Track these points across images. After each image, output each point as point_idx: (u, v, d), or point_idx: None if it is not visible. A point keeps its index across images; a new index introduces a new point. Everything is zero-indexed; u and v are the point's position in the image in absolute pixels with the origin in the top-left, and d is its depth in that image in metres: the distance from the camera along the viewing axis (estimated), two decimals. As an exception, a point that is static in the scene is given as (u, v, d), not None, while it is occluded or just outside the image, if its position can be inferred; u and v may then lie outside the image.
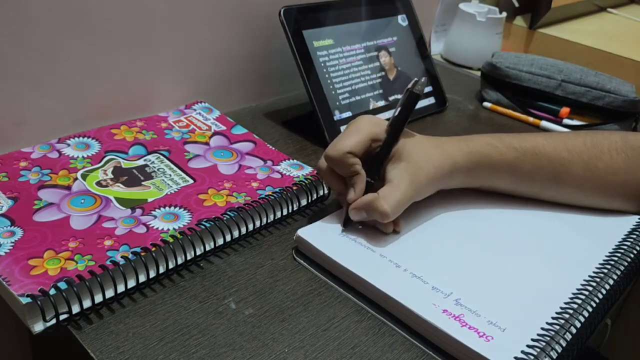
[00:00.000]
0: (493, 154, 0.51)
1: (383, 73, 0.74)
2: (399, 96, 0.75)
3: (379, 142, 0.49)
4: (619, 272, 0.48)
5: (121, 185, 0.51)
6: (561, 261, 0.49)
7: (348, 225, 0.50)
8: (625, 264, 0.49)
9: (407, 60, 0.78)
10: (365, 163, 0.49)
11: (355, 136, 0.48)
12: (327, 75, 0.67)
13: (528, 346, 0.39)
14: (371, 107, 0.71)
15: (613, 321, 0.79)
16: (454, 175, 0.50)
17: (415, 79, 0.50)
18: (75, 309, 0.39)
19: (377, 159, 0.49)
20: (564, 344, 0.40)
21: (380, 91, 0.73)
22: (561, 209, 0.56)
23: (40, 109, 0.55)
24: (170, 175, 0.53)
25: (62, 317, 0.39)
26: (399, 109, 0.49)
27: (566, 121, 0.79)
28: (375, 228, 0.50)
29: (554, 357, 0.39)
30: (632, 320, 0.88)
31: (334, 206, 0.55)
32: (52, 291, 0.38)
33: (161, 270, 0.44)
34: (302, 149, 0.65)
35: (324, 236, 0.48)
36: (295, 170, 0.56)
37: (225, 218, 0.48)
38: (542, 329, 0.41)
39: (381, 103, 0.72)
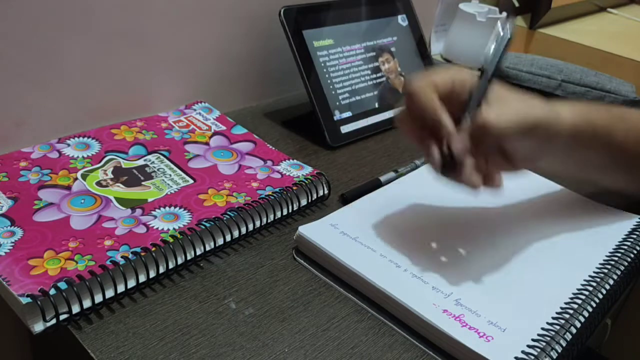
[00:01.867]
0: (591, 111, 0.47)
1: (383, 74, 0.74)
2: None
3: (463, 88, 0.44)
4: (619, 272, 0.48)
5: (121, 185, 0.51)
6: (561, 261, 0.49)
7: (446, 173, 0.43)
8: (626, 264, 0.49)
9: (407, 61, 0.78)
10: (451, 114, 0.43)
11: (437, 74, 0.43)
12: (327, 75, 0.67)
13: (528, 346, 0.39)
14: (374, 107, 0.71)
15: (613, 321, 0.79)
16: (560, 129, 0.45)
17: (502, 17, 0.46)
18: (75, 309, 0.39)
19: (470, 104, 0.43)
20: (564, 344, 0.40)
21: (381, 91, 0.73)
22: (561, 209, 0.56)
23: (40, 109, 0.55)
24: (170, 175, 0.53)
25: (62, 317, 0.39)
26: (492, 52, 0.45)
27: (566, 121, 0.79)
28: (381, 229, 0.50)
29: (554, 357, 0.39)
30: (632, 320, 0.88)
31: (334, 206, 0.55)
32: (52, 291, 0.38)
33: (161, 270, 0.44)
34: (302, 149, 0.65)
35: (325, 234, 0.48)
36: (295, 170, 0.56)
37: (225, 218, 0.48)
38: (543, 329, 0.41)
39: (382, 103, 0.72)
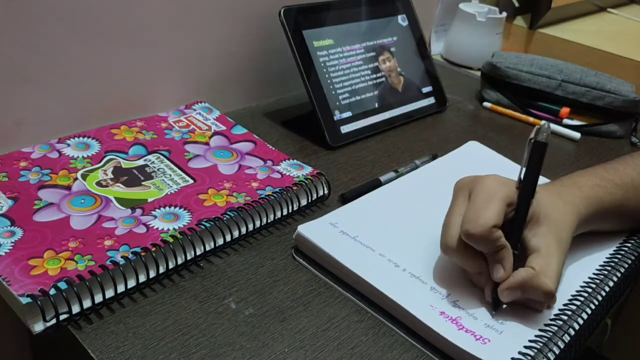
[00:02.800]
0: (604, 197, 0.48)
1: (382, 74, 0.74)
2: (410, 105, 0.75)
3: (513, 206, 0.43)
4: (619, 274, 0.48)
5: (121, 185, 0.51)
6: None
7: (499, 309, 0.43)
8: (626, 266, 0.49)
9: (407, 61, 0.78)
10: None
11: (493, 205, 0.41)
12: (327, 75, 0.67)
13: (525, 347, 0.39)
14: (374, 107, 0.71)
15: (613, 321, 0.79)
16: (579, 227, 0.46)
17: (537, 126, 0.44)
18: (75, 309, 0.39)
19: (517, 227, 0.43)
20: (562, 346, 0.40)
21: (381, 91, 0.73)
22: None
23: (40, 109, 0.55)
24: (170, 175, 0.53)
25: (62, 317, 0.39)
26: (527, 165, 0.44)
27: (566, 121, 0.79)
28: (380, 228, 0.50)
29: (552, 358, 0.39)
30: (632, 320, 0.88)
31: (334, 206, 0.55)
32: (52, 291, 0.38)
33: (161, 270, 0.44)
34: (302, 149, 0.65)
35: (324, 233, 0.48)
36: (295, 170, 0.56)
37: (225, 218, 0.48)
38: (540, 330, 0.41)
39: (382, 103, 0.72)
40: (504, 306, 0.43)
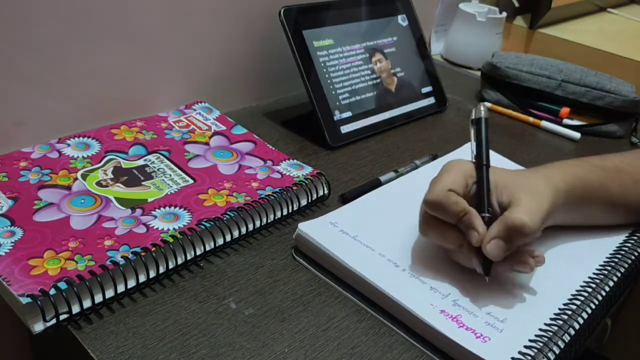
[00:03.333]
0: (587, 174, 0.49)
1: (378, 75, 0.74)
2: (410, 105, 0.75)
3: (474, 179, 0.45)
4: (619, 274, 0.48)
5: (121, 185, 0.51)
6: (561, 263, 0.49)
7: (489, 272, 0.43)
8: (626, 266, 0.49)
9: (407, 61, 0.78)
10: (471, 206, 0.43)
11: (447, 175, 0.44)
12: (327, 75, 0.67)
13: (525, 347, 0.39)
14: (374, 107, 0.71)
15: (613, 321, 0.79)
16: (557, 204, 0.46)
17: (474, 108, 0.49)
18: (75, 309, 0.39)
19: (479, 193, 0.45)
20: (562, 345, 0.40)
21: (381, 91, 0.73)
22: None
23: (40, 109, 0.56)
24: (170, 175, 0.53)
25: (62, 317, 0.39)
26: (474, 142, 0.48)
27: (566, 121, 0.79)
28: (380, 228, 0.50)
29: (552, 358, 0.39)
30: (632, 320, 0.88)
31: (334, 206, 0.55)
32: (52, 291, 0.38)
33: (161, 270, 0.44)
34: (302, 149, 0.65)
35: (324, 232, 0.48)
36: (295, 170, 0.56)
37: (225, 218, 0.48)
38: (540, 329, 0.41)
39: (382, 103, 0.72)
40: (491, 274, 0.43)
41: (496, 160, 0.63)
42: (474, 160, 0.47)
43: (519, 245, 0.43)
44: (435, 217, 0.44)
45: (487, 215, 0.43)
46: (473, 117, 0.49)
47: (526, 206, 0.42)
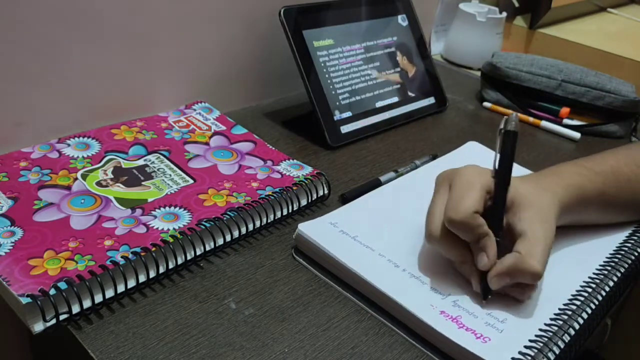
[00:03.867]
0: (585, 184, 0.49)
1: (385, 73, 0.74)
2: (410, 105, 0.75)
3: (491, 194, 0.44)
4: (619, 275, 0.48)
5: (121, 185, 0.51)
6: (561, 263, 0.49)
7: (488, 297, 0.43)
8: (626, 266, 0.49)
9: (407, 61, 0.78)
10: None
11: (473, 192, 0.42)
12: (327, 75, 0.67)
13: (525, 347, 0.39)
14: (374, 107, 0.71)
15: (613, 321, 0.79)
16: (561, 214, 0.46)
17: (506, 116, 0.46)
18: (75, 309, 0.39)
19: (496, 213, 0.44)
20: (562, 345, 0.40)
21: (381, 91, 0.73)
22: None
23: (40, 109, 0.56)
24: (170, 175, 0.53)
25: (62, 317, 0.39)
26: (499, 154, 0.45)
27: (566, 121, 0.79)
28: (380, 228, 0.50)
29: (552, 358, 0.39)
30: (632, 321, 0.88)
31: (334, 206, 0.55)
32: (52, 291, 0.38)
33: (161, 270, 0.44)
34: (302, 149, 0.65)
35: (324, 232, 0.48)
36: (295, 170, 0.56)
37: (225, 218, 0.48)
38: (540, 330, 0.41)
39: (381, 103, 0.72)
40: (490, 297, 0.44)
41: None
42: (494, 174, 0.45)
43: None
44: (447, 229, 0.43)
45: (498, 239, 0.43)
46: (502, 127, 0.46)
47: (541, 248, 0.42)
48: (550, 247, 0.43)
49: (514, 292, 0.43)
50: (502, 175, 0.44)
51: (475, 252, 0.43)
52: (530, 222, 0.43)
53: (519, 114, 0.79)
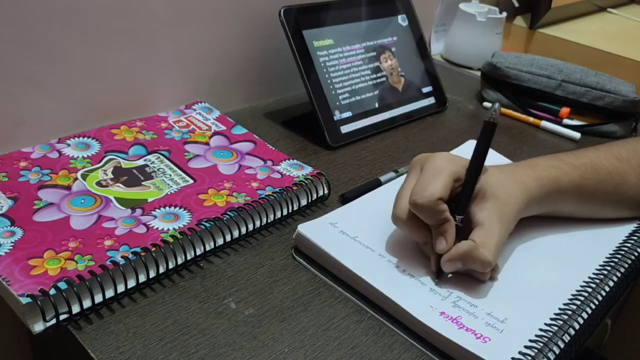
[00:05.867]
0: (560, 177, 0.50)
1: (384, 74, 0.74)
2: (410, 105, 0.75)
3: (460, 182, 0.45)
4: (619, 274, 0.48)
5: (121, 185, 0.51)
6: (561, 263, 0.49)
7: (442, 277, 0.45)
8: (626, 266, 0.49)
9: (407, 61, 0.78)
10: (448, 205, 0.44)
11: (440, 178, 0.43)
12: (327, 75, 0.67)
13: (526, 347, 0.39)
14: (374, 107, 0.71)
15: (613, 321, 0.79)
16: (529, 205, 0.48)
17: (489, 105, 0.47)
18: (75, 309, 0.39)
19: (463, 201, 0.45)
20: (562, 345, 0.40)
21: (381, 91, 0.73)
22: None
23: (40, 109, 0.56)
24: (170, 175, 0.53)
25: (62, 317, 0.39)
26: (476, 143, 0.46)
27: (566, 121, 0.79)
28: (380, 229, 0.50)
29: (552, 358, 0.39)
30: (632, 320, 0.88)
31: (334, 206, 0.55)
32: (52, 291, 0.38)
33: (161, 270, 0.44)
34: (302, 149, 0.65)
35: (324, 233, 0.48)
36: (295, 170, 0.56)
37: (225, 218, 0.48)
38: (540, 330, 0.41)
39: (381, 103, 0.72)
40: (449, 275, 0.46)
41: (495, 159, 0.64)
42: (470, 164, 0.46)
43: None
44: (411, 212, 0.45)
45: (459, 224, 0.45)
46: (486, 118, 0.46)
47: (495, 239, 0.43)
48: (504, 237, 0.45)
49: (475, 273, 0.45)
50: (474, 164, 0.45)
51: (435, 235, 0.44)
52: (490, 214, 0.44)
53: (514, 111, 0.80)
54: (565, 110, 0.79)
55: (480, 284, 0.45)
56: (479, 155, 0.46)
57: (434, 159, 0.45)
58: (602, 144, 0.57)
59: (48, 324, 0.39)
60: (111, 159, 0.55)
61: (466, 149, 0.66)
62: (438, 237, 0.44)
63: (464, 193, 0.45)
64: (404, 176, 0.60)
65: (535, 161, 0.51)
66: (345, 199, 0.56)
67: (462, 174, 0.45)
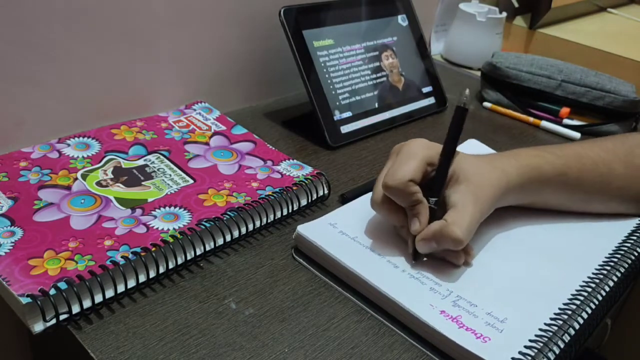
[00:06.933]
0: (542, 165, 0.50)
1: (384, 73, 0.74)
2: (410, 105, 0.75)
3: (434, 166, 0.47)
4: (618, 274, 0.48)
5: (121, 185, 0.51)
6: (561, 262, 0.49)
7: (418, 258, 0.47)
8: (626, 265, 0.49)
9: (407, 61, 0.78)
10: (423, 189, 0.46)
11: (412, 162, 0.45)
12: (327, 75, 0.67)
13: (525, 347, 0.39)
14: (374, 107, 0.71)
15: (613, 321, 0.79)
16: (509, 192, 0.48)
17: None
18: (75, 309, 0.39)
19: (437, 184, 0.46)
20: (562, 345, 0.40)
21: (381, 91, 0.73)
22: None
23: (40, 109, 0.56)
24: (170, 175, 0.53)
25: (62, 317, 0.39)
26: (449, 127, 0.47)
27: (566, 121, 0.79)
28: (380, 229, 0.50)
29: (552, 358, 0.39)
30: (632, 320, 0.88)
31: (334, 206, 0.55)
32: (52, 291, 0.38)
33: (161, 270, 0.44)
34: (302, 149, 0.65)
35: (324, 233, 0.48)
36: (295, 170, 0.56)
37: (225, 218, 0.48)
38: (540, 329, 0.41)
39: (381, 103, 0.72)
40: (424, 259, 0.47)
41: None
42: (443, 148, 0.47)
43: None
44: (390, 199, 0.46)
45: (433, 206, 0.46)
46: (458, 103, 0.48)
47: (467, 219, 0.44)
48: (478, 220, 0.45)
49: (449, 256, 0.46)
50: (447, 147, 0.47)
51: (409, 217, 0.46)
52: (463, 195, 0.45)
53: (514, 111, 0.80)
54: (565, 110, 0.79)
55: (478, 282, 0.45)
56: (452, 140, 0.47)
57: (409, 144, 0.47)
58: (596, 138, 0.57)
59: (48, 324, 0.39)
60: (111, 159, 0.55)
61: (466, 149, 0.66)
62: (412, 219, 0.45)
63: (437, 176, 0.46)
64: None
65: (518, 151, 0.52)
66: (345, 199, 0.56)
67: (435, 159, 0.47)
